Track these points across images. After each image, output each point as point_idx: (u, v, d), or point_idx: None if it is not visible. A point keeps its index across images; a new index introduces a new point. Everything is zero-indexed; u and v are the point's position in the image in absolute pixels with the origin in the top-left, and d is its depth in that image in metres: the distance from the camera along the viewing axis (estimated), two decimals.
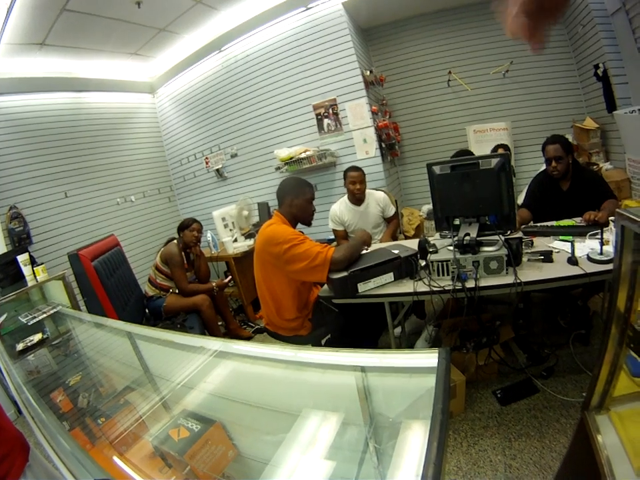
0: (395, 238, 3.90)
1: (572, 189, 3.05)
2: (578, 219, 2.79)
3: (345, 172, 3.92)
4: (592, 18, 4.33)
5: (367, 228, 3.79)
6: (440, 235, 2.76)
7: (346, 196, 4.01)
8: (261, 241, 2.71)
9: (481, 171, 2.33)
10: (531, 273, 2.19)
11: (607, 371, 1.25)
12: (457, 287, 2.21)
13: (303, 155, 5.07)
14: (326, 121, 5.14)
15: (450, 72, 5.42)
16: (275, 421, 1.32)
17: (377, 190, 4.18)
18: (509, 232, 2.43)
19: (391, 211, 4.00)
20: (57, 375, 2.19)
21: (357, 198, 3.90)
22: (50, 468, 1.57)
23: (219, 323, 4.25)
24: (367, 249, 2.77)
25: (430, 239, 2.64)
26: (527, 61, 5.16)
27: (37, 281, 3.26)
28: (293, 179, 2.91)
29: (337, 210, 4.01)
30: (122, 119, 6.26)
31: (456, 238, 2.32)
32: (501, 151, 4.17)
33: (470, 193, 2.38)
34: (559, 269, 2.18)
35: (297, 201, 2.74)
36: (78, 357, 2.41)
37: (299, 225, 2.84)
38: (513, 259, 2.17)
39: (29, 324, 2.67)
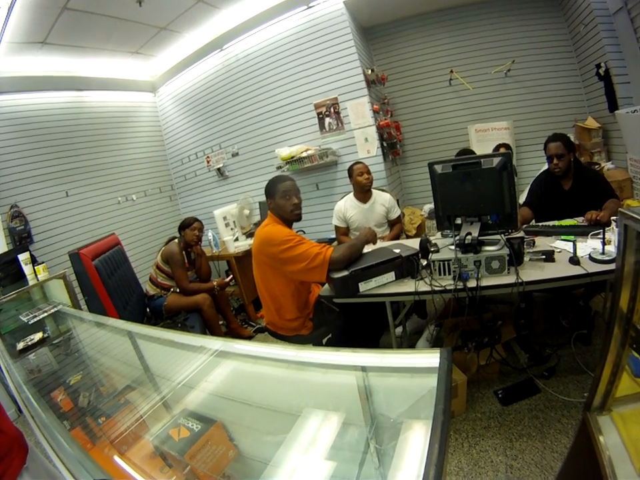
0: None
1: (574, 188, 3.05)
2: (580, 219, 2.78)
3: (350, 167, 3.95)
4: (594, 17, 4.32)
5: (369, 226, 3.79)
6: (441, 234, 2.76)
7: (352, 193, 4.02)
8: (257, 243, 2.70)
9: (483, 170, 2.32)
10: (532, 272, 2.19)
11: (609, 372, 1.24)
12: (458, 287, 2.20)
13: (304, 154, 5.06)
14: (327, 119, 5.13)
15: (452, 71, 5.40)
16: (275, 421, 1.32)
17: (383, 191, 4.19)
18: (510, 231, 2.43)
19: (395, 213, 4.00)
20: (58, 374, 2.19)
21: (366, 190, 3.91)
22: (50, 468, 1.56)
23: (220, 322, 4.25)
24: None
25: (431, 238, 2.64)
26: (529, 60, 5.16)
27: (38, 280, 3.26)
28: (269, 181, 2.81)
29: (341, 206, 4.03)
30: (123, 117, 6.26)
31: (457, 237, 2.32)
32: (502, 150, 4.16)
33: (471, 192, 2.37)
34: (560, 269, 2.17)
35: (273, 202, 2.71)
36: (78, 356, 2.41)
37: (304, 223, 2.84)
38: (515, 259, 2.17)
39: (30, 323, 2.68)
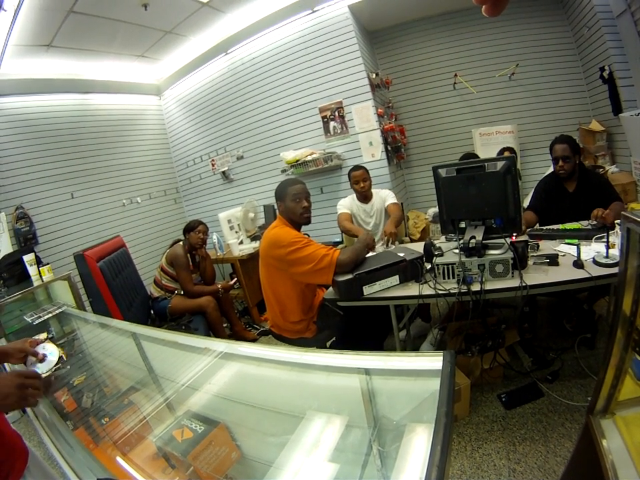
0: (398, 224, 3.82)
1: (578, 191, 3.05)
2: (584, 222, 2.78)
3: (349, 173, 3.94)
4: (597, 20, 4.32)
5: (371, 224, 3.81)
6: (446, 237, 2.76)
7: (354, 194, 4.01)
8: (264, 244, 2.72)
9: (487, 174, 2.31)
10: (536, 276, 2.18)
11: (613, 375, 1.24)
12: (462, 290, 2.20)
13: (309, 158, 5.07)
14: (332, 123, 5.14)
15: (456, 75, 5.41)
16: (279, 423, 1.32)
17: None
18: (514, 235, 2.42)
19: (391, 199, 3.94)
20: (61, 374, 2.20)
21: (364, 195, 3.91)
22: (50, 471, 1.56)
23: (224, 325, 4.25)
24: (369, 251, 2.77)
25: (436, 241, 2.63)
26: (533, 63, 5.17)
27: (43, 281, 3.28)
28: (280, 183, 2.87)
29: (347, 200, 4.03)
30: (128, 120, 6.29)
31: (462, 241, 2.32)
32: (507, 153, 4.16)
33: (476, 195, 2.37)
34: (564, 273, 2.17)
35: (283, 204, 2.75)
36: (82, 357, 2.41)
37: (309, 226, 2.85)
38: (519, 262, 2.16)
39: (34, 323, 2.68)
